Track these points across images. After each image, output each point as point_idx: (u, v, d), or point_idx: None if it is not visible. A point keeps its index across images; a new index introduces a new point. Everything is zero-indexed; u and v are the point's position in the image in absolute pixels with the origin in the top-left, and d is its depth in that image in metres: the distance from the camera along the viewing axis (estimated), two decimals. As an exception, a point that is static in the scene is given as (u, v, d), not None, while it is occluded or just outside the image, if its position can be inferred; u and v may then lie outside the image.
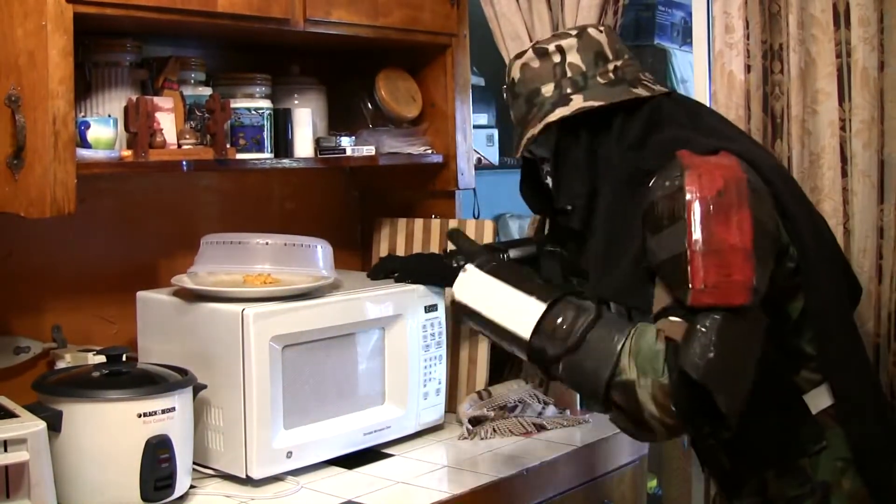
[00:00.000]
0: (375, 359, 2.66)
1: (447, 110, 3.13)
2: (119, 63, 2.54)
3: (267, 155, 2.74)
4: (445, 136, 3.13)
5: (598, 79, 2.17)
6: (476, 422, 2.78)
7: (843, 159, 2.55)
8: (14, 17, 2.16)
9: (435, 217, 3.14)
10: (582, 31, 2.22)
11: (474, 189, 3.25)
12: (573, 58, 2.19)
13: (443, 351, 2.77)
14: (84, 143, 2.35)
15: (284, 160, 2.78)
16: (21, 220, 2.21)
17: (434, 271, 2.67)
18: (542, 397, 2.92)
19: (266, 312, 2.37)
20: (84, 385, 2.20)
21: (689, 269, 1.87)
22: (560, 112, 2.15)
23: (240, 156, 2.67)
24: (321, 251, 2.62)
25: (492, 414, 2.81)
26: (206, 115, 2.60)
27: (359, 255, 3.36)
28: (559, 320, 2.01)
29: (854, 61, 2.52)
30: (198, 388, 2.34)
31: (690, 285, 1.86)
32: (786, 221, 1.99)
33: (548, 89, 2.20)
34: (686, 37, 4.65)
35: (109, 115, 2.47)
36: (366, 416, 2.62)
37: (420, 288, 2.70)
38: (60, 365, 2.55)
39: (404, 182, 3.24)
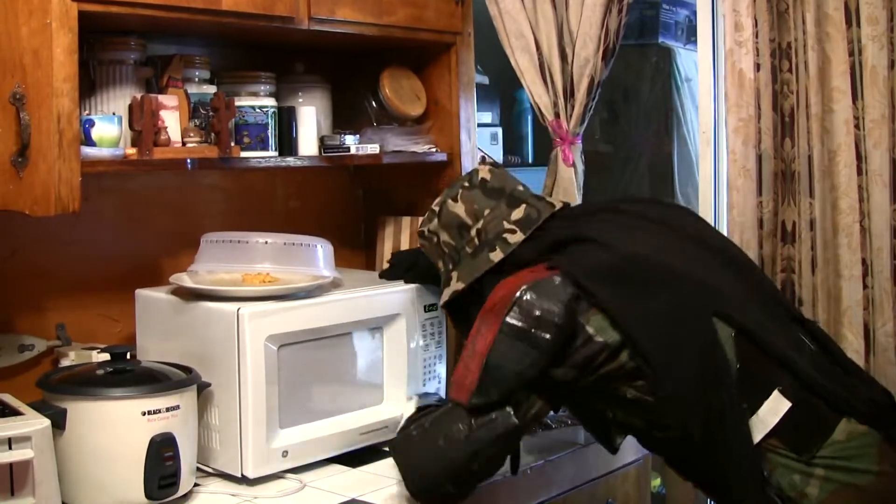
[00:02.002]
0: (374, 358, 2.65)
1: (451, 109, 3.13)
2: (123, 61, 2.54)
3: (271, 153, 2.74)
4: (450, 134, 3.12)
5: (466, 248, 2.36)
6: (480, 421, 2.78)
7: (858, 157, 2.55)
8: (19, 16, 2.15)
9: (439, 215, 3.13)
10: (441, 207, 2.40)
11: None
12: (443, 236, 2.40)
13: (443, 350, 2.77)
14: (88, 142, 2.35)
15: (289, 158, 2.78)
16: (25, 219, 2.21)
17: (428, 278, 2.69)
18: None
19: (261, 312, 2.37)
20: (88, 383, 2.20)
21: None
22: (443, 297, 2.41)
23: (244, 154, 2.67)
24: (321, 250, 2.61)
25: (495, 413, 2.81)
26: (211, 113, 2.59)
27: (362, 254, 3.36)
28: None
29: (864, 60, 2.52)
30: (202, 387, 2.34)
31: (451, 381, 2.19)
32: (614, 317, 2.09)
33: (441, 265, 2.44)
34: (690, 35, 4.64)
35: (114, 114, 2.46)
36: (363, 416, 2.61)
37: (419, 287, 2.70)
38: (64, 363, 2.55)
39: (408, 180, 3.24)
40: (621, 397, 2.13)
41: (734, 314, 2.10)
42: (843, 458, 2.03)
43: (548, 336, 2.06)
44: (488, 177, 2.39)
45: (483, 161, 2.55)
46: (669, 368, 2.06)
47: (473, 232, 2.34)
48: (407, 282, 2.70)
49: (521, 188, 2.39)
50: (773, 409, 2.06)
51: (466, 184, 2.40)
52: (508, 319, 2.07)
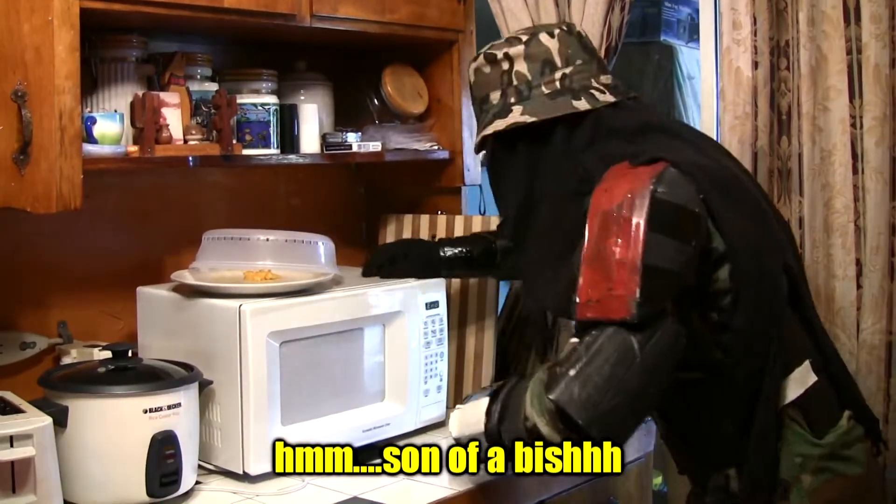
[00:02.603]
0: (375, 355, 2.65)
1: (453, 106, 3.13)
2: (125, 58, 2.54)
3: (273, 151, 2.74)
4: (452, 132, 3.12)
5: (543, 88, 2.14)
6: (481, 418, 2.77)
7: (854, 156, 2.54)
8: (21, 13, 2.15)
9: (441, 213, 3.13)
10: (532, 37, 2.18)
11: (480, 185, 3.25)
12: (520, 66, 2.16)
13: (444, 348, 2.77)
14: (90, 139, 2.35)
15: (290, 156, 2.78)
16: (27, 216, 2.21)
17: (421, 264, 2.68)
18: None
19: (263, 308, 2.37)
20: (90, 381, 2.20)
21: (578, 283, 1.91)
22: (495, 126, 2.17)
23: (246, 151, 2.67)
24: (323, 247, 2.61)
25: (497, 410, 2.80)
26: (213, 110, 2.59)
27: (364, 252, 3.36)
28: (495, 405, 2.07)
29: (865, 58, 2.51)
30: (203, 384, 2.34)
31: (577, 299, 1.90)
32: (717, 223, 1.97)
33: (495, 96, 2.20)
34: (692, 33, 4.65)
35: (115, 111, 2.46)
36: (365, 413, 2.61)
37: (422, 284, 2.70)
38: (66, 360, 2.55)
39: (410, 178, 3.24)
40: (690, 317, 1.97)
41: (794, 271, 2.06)
42: (843, 445, 2.04)
43: (695, 228, 1.91)
44: (584, 34, 2.24)
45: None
46: (752, 301, 1.96)
47: (559, 74, 2.14)
48: (383, 276, 2.68)
49: (606, 61, 2.27)
50: (802, 378, 2.03)
51: (565, 27, 2.21)
52: (652, 216, 1.87)
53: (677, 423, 2.20)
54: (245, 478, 2.38)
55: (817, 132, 2.59)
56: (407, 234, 3.16)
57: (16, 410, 2.06)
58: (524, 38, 2.18)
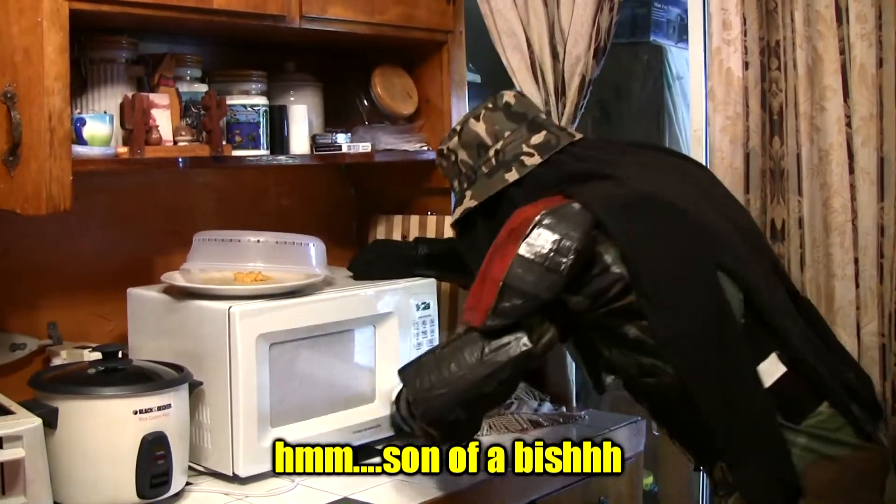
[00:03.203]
0: (366, 357, 2.66)
1: (443, 107, 3.13)
2: (115, 60, 2.54)
3: (263, 152, 2.74)
4: (441, 132, 3.11)
5: (483, 169, 2.35)
6: (472, 419, 2.78)
7: (850, 156, 2.54)
8: (10, 14, 2.15)
9: (430, 214, 3.13)
10: (463, 126, 2.39)
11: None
12: (462, 155, 2.39)
13: (436, 349, 2.77)
14: (80, 140, 2.35)
15: (280, 157, 2.78)
16: (16, 217, 2.20)
17: (394, 264, 2.79)
18: (538, 394, 2.92)
19: (253, 310, 2.37)
20: (80, 382, 2.20)
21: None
22: (455, 214, 2.41)
23: (236, 152, 2.66)
24: (313, 249, 2.62)
25: (488, 411, 2.81)
26: (202, 111, 2.59)
27: (354, 252, 3.36)
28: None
29: (853, 58, 2.51)
30: (193, 386, 2.34)
31: (465, 305, 2.20)
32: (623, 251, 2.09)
33: (456, 185, 2.43)
34: (682, 34, 4.64)
35: (105, 112, 2.46)
36: (355, 415, 2.61)
37: (413, 286, 2.70)
38: (56, 362, 2.54)
39: (400, 179, 3.24)
40: (623, 335, 2.13)
41: (739, 272, 2.11)
42: (828, 428, 2.06)
43: (566, 260, 2.06)
44: (512, 101, 2.39)
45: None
46: (672, 313, 2.07)
47: (492, 152, 2.34)
48: (357, 277, 2.77)
49: (543, 116, 2.42)
50: (769, 370, 2.08)
51: (490, 105, 2.39)
52: (527, 242, 2.08)
53: (666, 424, 2.29)
54: (235, 479, 2.38)
55: (815, 132, 2.59)
56: (397, 235, 3.16)
57: (5, 412, 2.06)
58: (458, 128, 2.40)
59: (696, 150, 2.96)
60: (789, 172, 2.66)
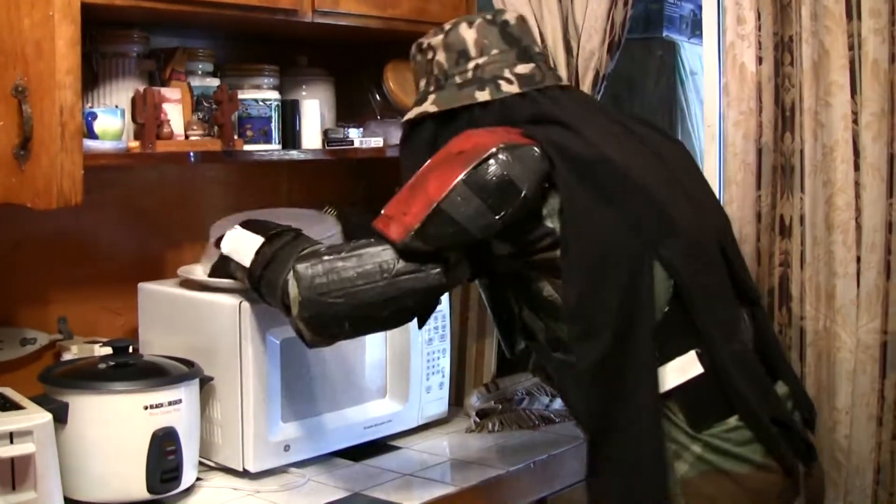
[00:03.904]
0: (377, 352, 2.65)
1: (455, 102, 3.12)
2: (126, 54, 2.53)
3: (275, 146, 2.73)
4: (453, 128, 3.11)
5: (456, 78, 2.17)
6: (483, 414, 2.78)
7: (856, 153, 2.53)
8: (21, 7, 2.15)
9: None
10: (453, 27, 2.21)
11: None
12: (440, 56, 2.20)
13: (446, 344, 2.77)
14: (91, 134, 2.34)
15: (292, 152, 2.77)
16: (27, 212, 2.20)
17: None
18: (550, 390, 2.91)
19: (264, 305, 2.36)
20: (90, 377, 2.20)
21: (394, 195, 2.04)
22: (408, 114, 2.24)
23: (247, 147, 2.66)
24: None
25: (499, 407, 2.80)
26: (214, 106, 2.59)
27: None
28: (268, 248, 2.16)
29: (864, 53, 2.50)
30: (204, 381, 2.33)
31: (382, 212, 2.03)
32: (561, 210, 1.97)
33: (422, 84, 2.25)
34: (695, 29, 4.65)
35: (116, 106, 2.46)
36: (366, 410, 2.61)
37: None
38: (66, 357, 2.54)
39: (412, 174, 3.23)
40: (537, 292, 2.02)
41: (678, 267, 1.97)
42: (730, 441, 1.94)
43: (509, 207, 1.93)
44: (512, 21, 2.22)
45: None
46: (588, 282, 1.95)
47: (471, 64, 2.16)
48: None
49: (537, 50, 2.23)
50: (683, 367, 1.96)
51: (489, 17, 2.21)
52: (475, 170, 1.93)
53: (565, 399, 2.20)
54: (245, 474, 2.37)
55: (819, 128, 2.58)
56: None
57: (16, 407, 2.06)
58: (447, 27, 2.22)
59: (709, 145, 2.95)
60: (796, 169, 2.65)
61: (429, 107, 2.18)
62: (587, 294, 1.95)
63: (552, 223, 1.97)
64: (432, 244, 1.96)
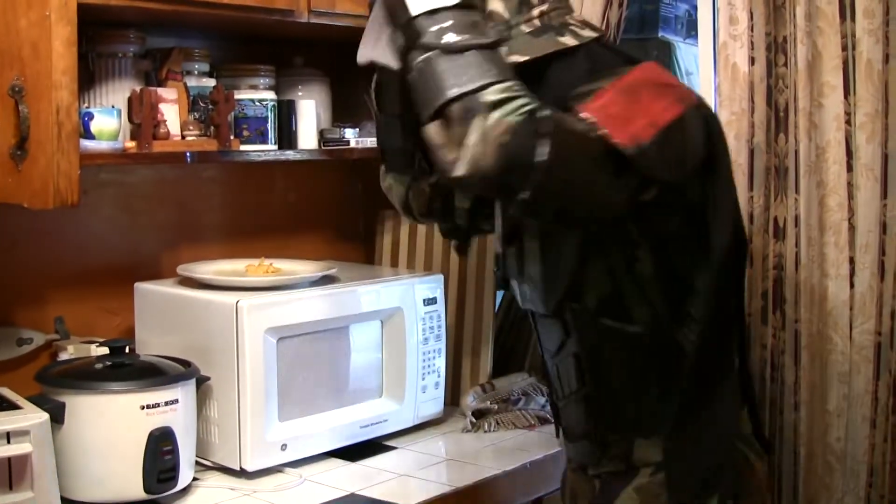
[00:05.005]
0: (373, 352, 2.66)
1: (451, 102, 3.12)
2: (123, 54, 2.54)
3: (271, 146, 2.74)
4: (449, 128, 3.11)
5: (523, 27, 1.97)
6: (479, 414, 2.78)
7: (849, 154, 2.53)
8: (17, 7, 2.15)
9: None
10: None
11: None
12: (496, 5, 1.98)
13: (442, 344, 2.77)
14: (87, 134, 2.35)
15: (288, 152, 2.78)
16: (24, 212, 2.20)
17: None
18: (545, 390, 2.92)
19: (261, 304, 2.37)
20: (87, 377, 2.20)
21: (601, 92, 1.78)
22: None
23: (243, 147, 2.66)
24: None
25: (495, 407, 2.81)
26: (210, 106, 2.59)
27: (361, 248, 3.35)
28: (456, 21, 1.82)
29: (858, 53, 2.50)
30: (201, 381, 2.34)
31: (593, 100, 1.77)
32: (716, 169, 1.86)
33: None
34: (690, 29, 4.64)
35: (113, 106, 2.46)
36: (363, 409, 2.62)
37: (419, 281, 2.70)
38: (63, 356, 2.55)
39: (408, 174, 3.23)
40: (638, 259, 1.86)
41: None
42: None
43: (695, 160, 1.80)
44: None
45: None
46: (726, 262, 1.85)
47: (536, 11, 1.97)
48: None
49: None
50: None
51: None
52: (699, 106, 1.83)
53: (596, 375, 1.99)
54: (242, 474, 2.38)
55: (813, 129, 2.58)
56: (405, 231, 3.15)
57: (12, 406, 2.06)
58: None
59: (704, 146, 2.95)
60: (790, 170, 2.66)
61: (512, 57, 1.92)
62: (723, 277, 1.86)
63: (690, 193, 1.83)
64: (653, 168, 1.75)
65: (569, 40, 1.96)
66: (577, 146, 1.72)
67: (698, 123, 1.81)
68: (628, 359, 1.93)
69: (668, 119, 1.75)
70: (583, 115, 1.74)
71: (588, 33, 1.99)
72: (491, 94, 1.72)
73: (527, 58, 1.92)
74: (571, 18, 2.01)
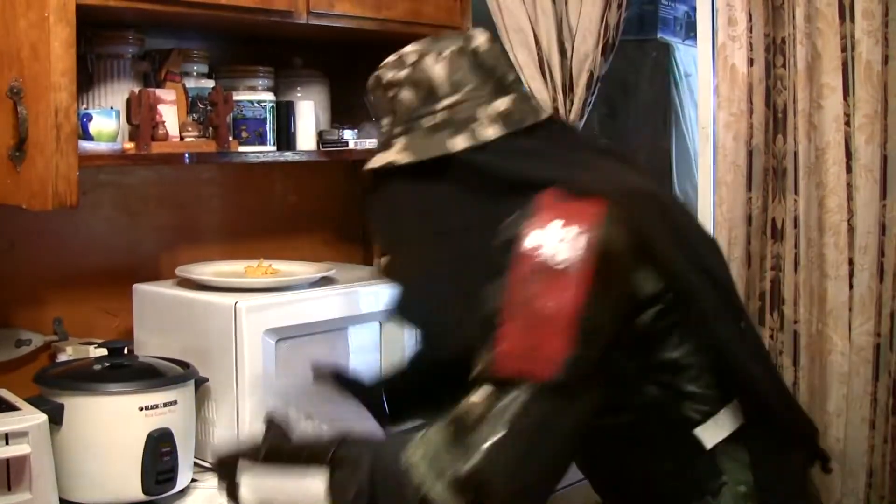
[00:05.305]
0: (372, 353, 2.65)
1: (450, 103, 3.12)
2: (121, 55, 2.53)
3: (269, 148, 2.73)
4: (448, 129, 3.11)
5: (423, 121, 1.80)
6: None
7: (848, 155, 2.53)
8: (17, 9, 2.15)
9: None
10: (419, 59, 1.83)
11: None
12: (404, 94, 1.83)
13: (442, 346, 2.76)
14: (86, 136, 2.35)
15: (287, 153, 2.78)
16: (23, 213, 2.20)
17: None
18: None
19: (260, 305, 2.37)
20: (85, 378, 2.20)
21: (498, 330, 1.59)
22: (373, 162, 1.85)
23: (242, 148, 2.66)
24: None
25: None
26: (209, 107, 2.59)
27: (360, 249, 3.35)
28: (343, 481, 1.64)
29: (858, 55, 2.51)
30: (199, 382, 2.33)
31: (495, 351, 1.58)
32: (657, 266, 1.67)
33: (386, 122, 1.89)
34: (689, 31, 4.64)
35: (112, 108, 2.46)
36: (361, 410, 2.62)
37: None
38: (62, 358, 2.54)
39: (407, 175, 3.23)
40: (611, 359, 1.65)
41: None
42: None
43: (628, 279, 1.63)
44: (483, 48, 1.83)
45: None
46: (691, 332, 1.70)
47: (441, 105, 1.79)
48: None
49: (511, 78, 1.84)
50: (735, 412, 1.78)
51: (458, 46, 1.82)
52: (592, 269, 1.57)
53: (603, 467, 1.93)
54: (241, 475, 2.37)
55: (812, 130, 2.58)
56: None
57: (11, 408, 2.06)
58: (413, 60, 1.84)
59: (704, 147, 2.95)
60: (788, 171, 2.66)
61: (399, 155, 1.80)
62: (710, 336, 1.72)
63: (651, 288, 1.66)
64: (590, 363, 1.59)
65: (458, 143, 1.75)
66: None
67: (605, 265, 1.58)
68: (625, 443, 1.79)
69: (568, 308, 1.56)
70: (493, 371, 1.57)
71: (489, 133, 1.75)
72: (424, 475, 1.57)
73: (410, 160, 1.78)
74: (486, 110, 1.78)
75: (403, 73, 1.84)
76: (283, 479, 1.70)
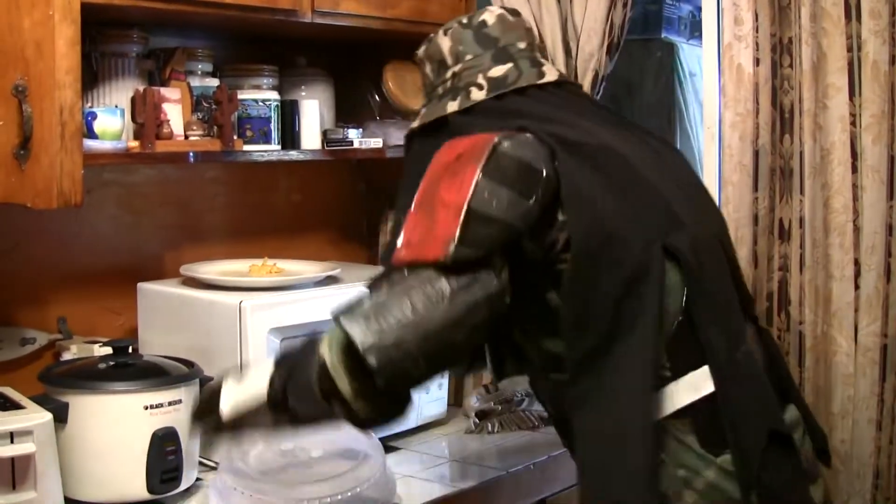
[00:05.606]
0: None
1: (455, 103, 3.12)
2: (126, 54, 2.53)
3: (274, 147, 2.73)
4: (453, 128, 3.11)
5: (438, 90, 2.05)
6: (483, 415, 2.78)
7: (854, 155, 2.53)
8: (21, 7, 2.15)
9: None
10: (432, 38, 2.09)
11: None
12: (426, 68, 2.10)
13: (447, 345, 2.76)
14: (91, 134, 2.34)
15: (291, 152, 2.77)
16: (27, 211, 2.20)
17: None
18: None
19: (264, 304, 2.37)
20: (90, 377, 2.20)
21: (403, 224, 1.78)
22: (410, 128, 2.10)
23: (247, 147, 2.66)
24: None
25: (499, 408, 2.80)
26: (214, 106, 2.59)
27: (365, 248, 3.35)
28: (280, 370, 1.82)
29: (864, 55, 2.50)
30: (204, 381, 2.33)
31: (398, 243, 1.76)
32: (565, 200, 1.78)
33: (423, 97, 2.15)
34: (694, 30, 4.65)
35: (116, 106, 2.46)
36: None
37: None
38: (66, 356, 2.54)
39: (411, 175, 3.23)
40: (543, 304, 1.82)
41: (690, 261, 1.80)
42: None
43: (537, 185, 1.74)
44: (491, 21, 2.05)
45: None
46: (589, 267, 1.77)
47: (449, 73, 2.03)
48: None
49: (521, 46, 2.04)
50: (696, 384, 1.78)
51: (465, 21, 2.07)
52: (489, 164, 1.73)
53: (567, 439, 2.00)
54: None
55: (818, 130, 2.58)
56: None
57: (16, 406, 2.06)
58: (430, 37, 2.10)
59: (709, 147, 2.95)
60: (795, 171, 2.65)
61: (414, 124, 2.07)
62: (587, 280, 1.77)
63: (562, 216, 1.77)
64: (478, 248, 1.71)
65: (452, 106, 1.99)
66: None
67: (510, 156, 1.75)
68: (573, 402, 1.84)
69: (463, 195, 1.72)
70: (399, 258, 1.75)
71: (479, 95, 1.97)
72: (325, 352, 1.76)
73: (416, 125, 2.05)
74: (484, 75, 2.00)
75: (423, 49, 2.12)
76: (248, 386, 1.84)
